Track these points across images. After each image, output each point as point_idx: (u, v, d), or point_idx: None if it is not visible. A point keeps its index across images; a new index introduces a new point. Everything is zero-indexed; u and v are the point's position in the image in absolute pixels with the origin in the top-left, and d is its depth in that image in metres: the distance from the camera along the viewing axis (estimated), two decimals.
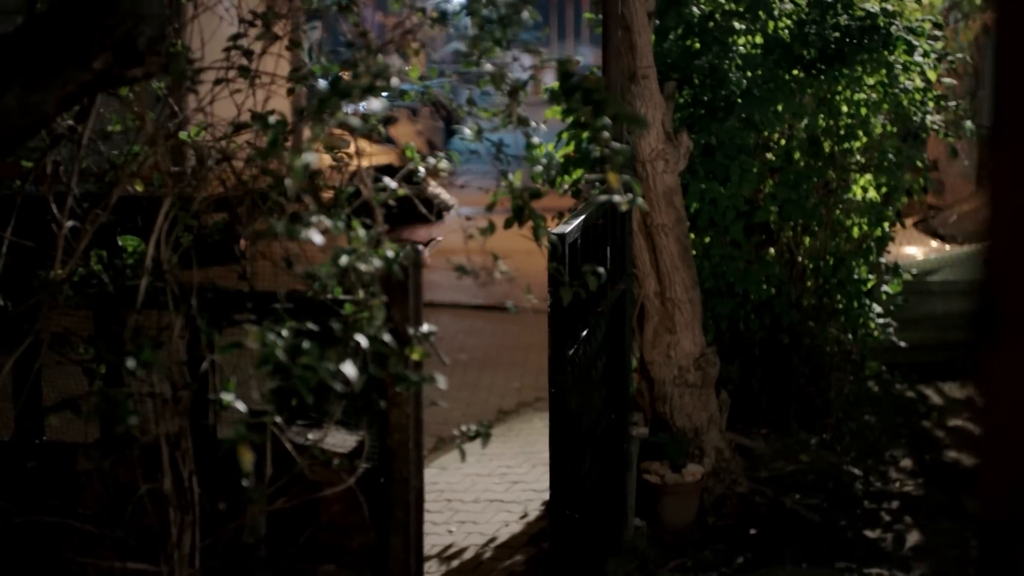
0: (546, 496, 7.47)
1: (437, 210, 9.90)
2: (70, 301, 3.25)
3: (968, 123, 8.54)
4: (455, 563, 6.69)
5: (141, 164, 3.19)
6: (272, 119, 2.83)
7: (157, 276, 3.10)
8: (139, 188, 3.42)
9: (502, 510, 7.46)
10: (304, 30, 3.37)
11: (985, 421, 1.09)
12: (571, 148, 7.69)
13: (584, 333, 5.16)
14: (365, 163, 3.12)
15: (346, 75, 2.77)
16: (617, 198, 2.99)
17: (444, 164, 3.30)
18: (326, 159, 3.23)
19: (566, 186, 7.43)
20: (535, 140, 3.17)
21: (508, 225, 3.27)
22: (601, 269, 3.32)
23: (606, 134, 2.92)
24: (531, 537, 7.01)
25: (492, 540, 6.99)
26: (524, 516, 7.34)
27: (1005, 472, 1.08)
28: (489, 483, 7.89)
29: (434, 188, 9.08)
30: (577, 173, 7.60)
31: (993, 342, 1.07)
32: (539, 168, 3.10)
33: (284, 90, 3.39)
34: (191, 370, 3.11)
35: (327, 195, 3.22)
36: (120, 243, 3.56)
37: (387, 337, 2.82)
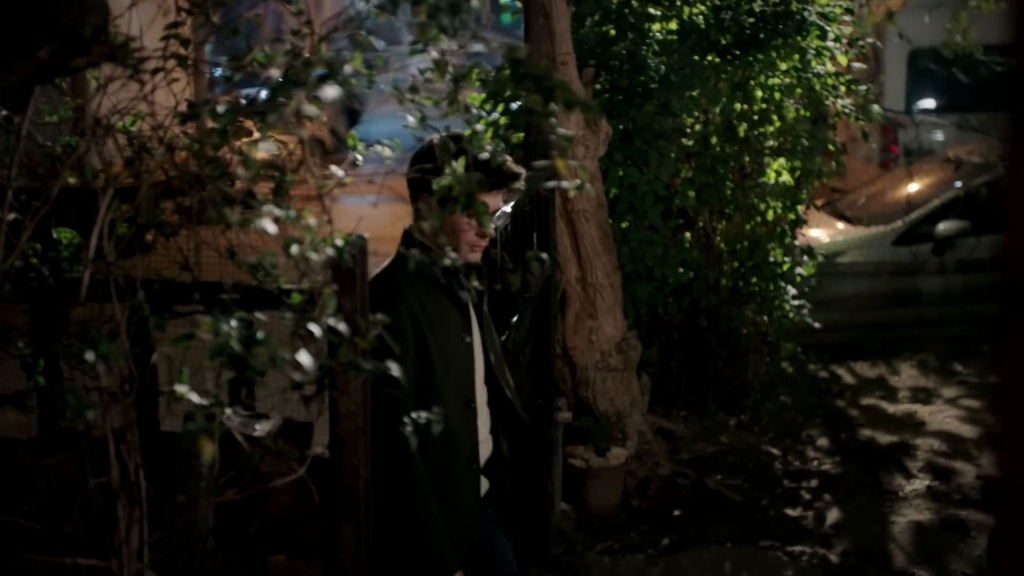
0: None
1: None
2: (9, 295, 3.20)
3: (876, 107, 8.68)
4: None
5: (81, 155, 3.14)
6: (220, 108, 2.80)
7: (99, 268, 3.05)
8: (72, 180, 3.36)
9: None
10: (247, 19, 3.34)
11: (1006, 395, 1.11)
12: (489, 135, 7.69)
13: (514, 319, 5.17)
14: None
15: (297, 63, 2.74)
16: (565, 184, 3.00)
17: (388, 152, 3.29)
18: (274, 148, 3.21)
19: None
20: (479, 128, 3.16)
21: (451, 212, 3.26)
22: (544, 255, 3.33)
23: (553, 121, 2.92)
24: None
25: None
26: None
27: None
28: None
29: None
30: None
31: (1017, 319, 1.09)
32: (485, 155, 3.10)
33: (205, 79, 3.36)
34: (136, 362, 3.08)
35: (269, 185, 3.19)
36: (55, 235, 3.50)
37: (341, 326, 2.80)
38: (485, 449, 4.00)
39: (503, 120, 7.56)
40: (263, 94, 2.84)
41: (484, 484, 4.03)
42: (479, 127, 3.18)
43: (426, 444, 3.54)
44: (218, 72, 3.16)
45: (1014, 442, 1.13)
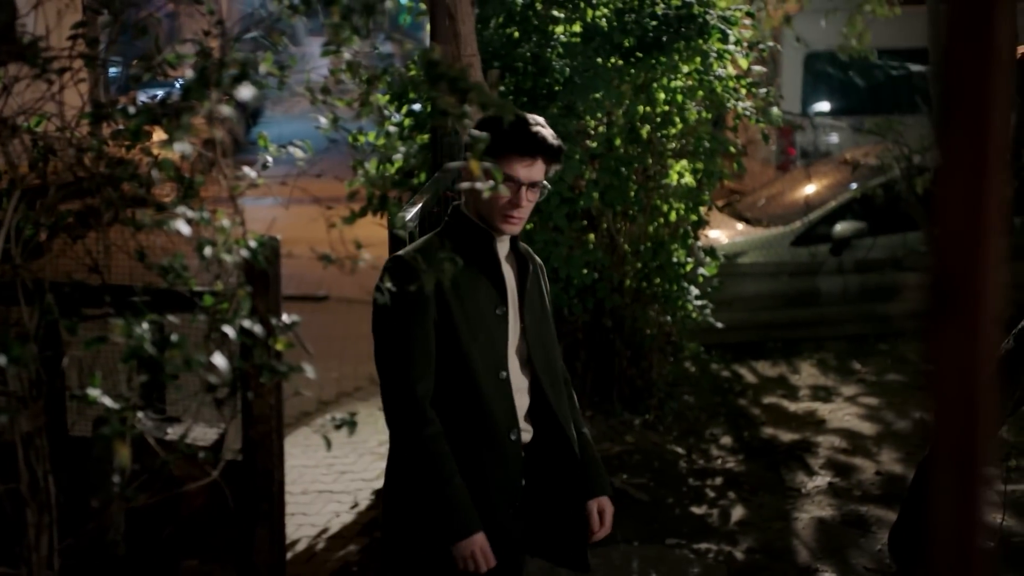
0: (375, 485, 7.51)
1: None
2: None
3: (775, 109, 8.80)
4: (288, 555, 6.63)
5: None
6: (131, 108, 2.77)
7: (5, 270, 3.01)
8: None
9: (332, 500, 7.44)
10: (156, 18, 3.30)
11: (935, 391, 1.14)
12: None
13: None
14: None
15: (210, 64, 2.72)
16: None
17: (299, 153, 3.28)
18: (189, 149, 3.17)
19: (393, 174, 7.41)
20: (391, 128, 3.17)
21: (363, 213, 3.27)
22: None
23: (468, 122, 2.93)
24: (363, 527, 7.00)
25: (324, 531, 6.97)
26: (355, 506, 7.33)
27: (953, 438, 1.14)
28: (317, 474, 7.85)
29: None
30: (399, 163, 7.60)
31: (942, 317, 1.12)
32: (399, 156, 3.10)
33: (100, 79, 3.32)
34: (45, 366, 3.03)
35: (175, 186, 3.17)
36: None
37: (256, 327, 2.79)
38: (523, 440, 3.93)
39: (408, 121, 7.55)
40: (161, 95, 2.82)
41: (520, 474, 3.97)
42: (391, 128, 3.18)
43: (455, 412, 3.74)
44: (113, 72, 3.12)
45: (944, 433, 1.15)
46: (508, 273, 3.91)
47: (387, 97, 7.44)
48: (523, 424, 3.90)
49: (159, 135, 3.17)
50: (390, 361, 3.74)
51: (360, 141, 5.65)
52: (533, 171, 3.78)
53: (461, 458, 3.72)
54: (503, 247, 3.91)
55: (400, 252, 3.82)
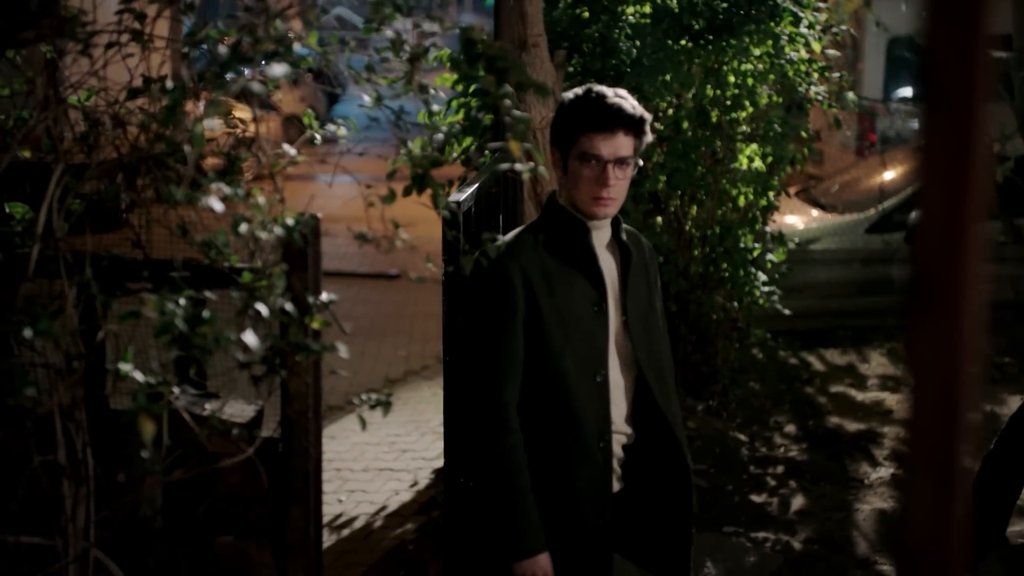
0: (436, 464, 7.51)
1: None
2: None
3: (850, 94, 8.68)
4: (346, 532, 6.68)
5: (31, 129, 3.10)
6: (169, 84, 2.78)
7: (48, 244, 3.02)
8: (27, 154, 3.33)
9: (392, 479, 7.46)
10: None
11: (914, 387, 1.10)
12: (460, 116, 7.66)
13: None
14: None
15: (244, 40, 2.72)
16: (519, 166, 2.98)
17: (343, 131, 3.26)
18: (220, 125, 3.18)
19: (455, 154, 7.40)
20: (435, 107, 3.14)
21: (407, 192, 3.25)
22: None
23: (508, 102, 2.90)
24: (421, 505, 7.02)
25: (382, 509, 7.00)
26: (414, 484, 7.35)
27: (931, 435, 1.10)
28: (378, 452, 7.89)
29: None
30: (466, 141, 7.58)
31: (925, 310, 1.09)
32: (440, 136, 3.08)
33: (178, 55, 3.33)
34: (85, 340, 3.05)
35: (219, 162, 3.17)
36: (7, 210, 3.47)
37: (288, 306, 2.78)
38: (621, 441, 3.69)
39: (474, 102, 7.53)
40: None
41: (619, 478, 3.72)
42: (435, 107, 3.15)
43: (542, 416, 3.56)
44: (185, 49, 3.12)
45: (922, 429, 1.12)
46: (608, 263, 3.67)
47: (454, 77, 7.43)
48: (623, 427, 3.67)
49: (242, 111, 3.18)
50: (476, 361, 3.59)
51: (424, 119, 5.63)
52: (617, 145, 3.51)
53: (546, 465, 3.56)
54: (601, 235, 3.66)
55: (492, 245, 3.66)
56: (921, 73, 1.09)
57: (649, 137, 3.60)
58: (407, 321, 11.09)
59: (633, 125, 3.52)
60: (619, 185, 3.54)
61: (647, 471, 3.73)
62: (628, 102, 3.55)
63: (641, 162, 3.64)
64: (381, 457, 7.81)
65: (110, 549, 3.08)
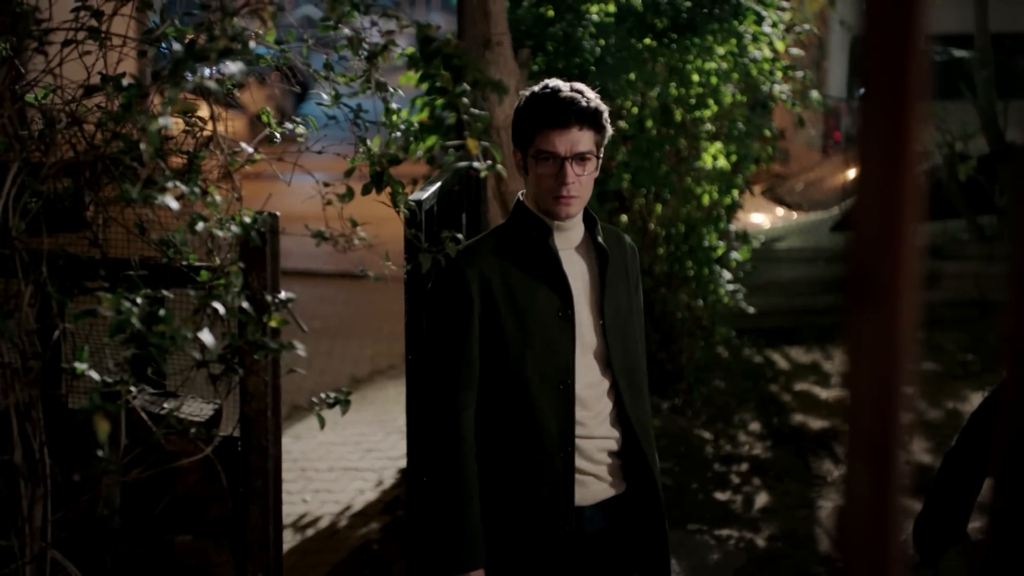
0: (401, 464, 7.50)
1: None
2: None
3: (814, 93, 8.72)
4: (310, 532, 6.66)
5: None
6: (125, 82, 2.76)
7: (4, 242, 3.01)
8: None
9: (357, 478, 7.45)
10: None
11: (851, 384, 1.11)
12: (425, 114, 7.66)
13: None
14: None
15: (200, 38, 2.71)
16: (477, 164, 2.98)
17: (301, 129, 3.26)
18: (179, 124, 3.17)
19: (420, 152, 7.40)
20: (393, 106, 3.14)
21: (366, 191, 3.25)
22: (460, 235, 3.32)
23: (465, 100, 2.91)
24: (386, 504, 7.01)
25: (347, 508, 6.98)
26: (379, 484, 7.34)
27: (868, 432, 1.11)
28: (343, 451, 7.87)
29: None
30: (431, 140, 7.58)
31: (859, 308, 1.09)
32: (399, 134, 3.08)
33: (135, 53, 3.31)
34: (41, 339, 3.04)
35: (180, 160, 3.16)
36: None
37: (245, 304, 2.78)
38: (601, 446, 3.56)
39: (439, 100, 7.53)
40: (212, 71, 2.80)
41: (597, 486, 3.57)
42: (394, 106, 3.15)
43: (503, 423, 3.47)
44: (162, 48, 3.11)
45: (858, 426, 1.13)
46: (580, 266, 3.55)
47: (418, 75, 7.43)
48: (597, 431, 3.52)
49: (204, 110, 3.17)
50: (434, 365, 3.51)
51: (392, 115, 5.63)
52: (573, 141, 3.38)
53: (505, 473, 3.46)
54: (570, 235, 3.54)
55: (468, 243, 3.61)
56: (860, 71, 1.10)
57: (609, 130, 3.50)
58: (374, 320, 11.08)
59: (587, 118, 3.40)
60: (580, 182, 3.42)
61: (622, 478, 3.61)
62: (583, 95, 3.44)
63: (600, 156, 3.50)
64: (346, 456, 7.80)
65: (68, 549, 3.07)
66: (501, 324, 3.43)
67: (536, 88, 3.49)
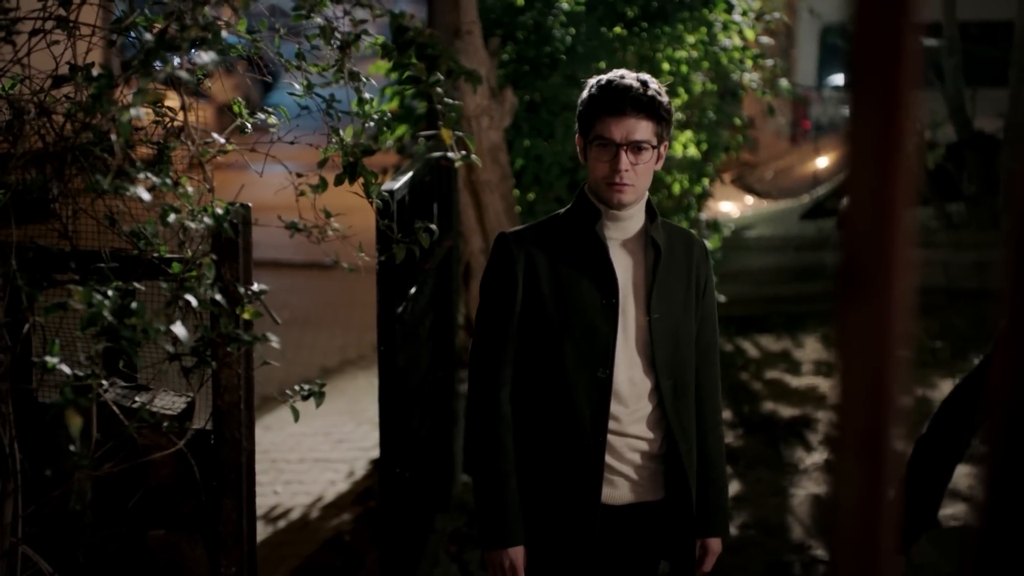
0: (373, 454, 7.48)
1: None
2: None
3: (784, 81, 8.73)
4: (282, 523, 6.63)
5: None
6: (95, 71, 2.73)
7: None
8: None
9: (328, 469, 7.42)
10: None
11: (842, 374, 1.10)
12: (395, 104, 7.63)
13: (412, 291, 5.13)
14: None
15: (171, 27, 2.68)
16: (450, 154, 2.97)
17: (273, 119, 3.23)
18: (149, 114, 3.14)
19: (390, 142, 7.37)
20: (366, 95, 3.12)
21: (339, 182, 3.23)
22: (433, 226, 3.30)
23: (439, 90, 2.89)
24: (358, 495, 6.99)
25: (319, 499, 6.96)
26: (351, 475, 7.32)
27: (859, 425, 1.10)
28: (315, 442, 7.84)
29: None
30: (401, 129, 7.55)
31: (851, 298, 1.08)
32: (371, 124, 3.05)
33: (103, 42, 3.28)
34: (11, 332, 3.00)
35: (150, 151, 3.13)
36: None
37: (218, 296, 2.75)
38: (634, 446, 3.49)
39: (409, 90, 7.50)
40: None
41: (626, 487, 3.50)
42: (367, 95, 3.13)
43: (539, 404, 3.46)
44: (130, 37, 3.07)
45: (850, 415, 1.12)
46: (631, 258, 3.48)
47: (388, 65, 7.39)
48: (633, 429, 3.46)
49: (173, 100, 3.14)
50: (475, 342, 3.54)
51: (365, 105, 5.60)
52: (629, 129, 3.32)
53: (538, 454, 3.47)
54: (626, 226, 3.46)
55: (515, 228, 3.60)
56: (849, 60, 1.09)
57: (672, 122, 3.44)
58: (344, 310, 11.04)
59: (644, 107, 3.34)
60: (635, 171, 3.35)
61: (660, 485, 3.54)
62: (644, 85, 3.38)
63: (661, 147, 3.42)
64: (318, 447, 7.77)
65: (39, 544, 3.04)
66: (544, 306, 3.42)
67: (601, 77, 3.45)
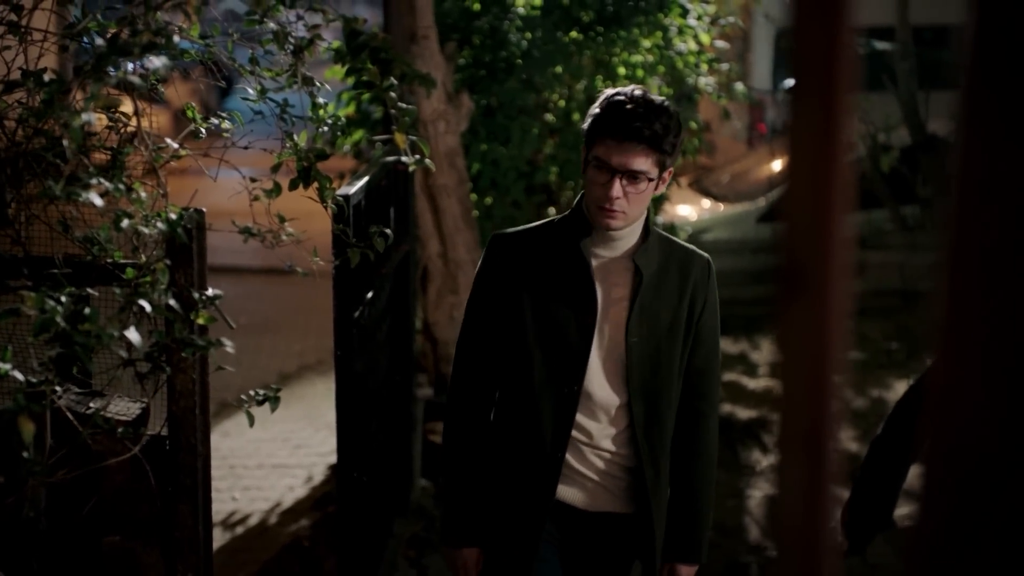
0: (331, 460, 7.47)
1: None
2: None
3: (739, 85, 8.78)
4: (240, 529, 6.61)
5: None
6: (46, 77, 2.72)
7: None
8: None
9: (287, 475, 7.41)
10: None
11: (783, 372, 1.12)
12: (351, 109, 7.63)
13: (369, 295, 5.13)
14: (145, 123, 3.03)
15: (124, 32, 2.67)
16: (405, 159, 2.97)
17: (227, 125, 3.23)
18: (103, 119, 3.13)
19: (346, 147, 7.37)
20: (320, 100, 3.12)
21: (293, 186, 3.23)
22: (388, 230, 3.31)
23: (393, 94, 2.90)
24: (316, 501, 6.98)
25: (277, 505, 6.94)
26: (309, 480, 7.30)
27: (801, 423, 1.12)
28: (273, 448, 7.82)
29: None
30: (357, 134, 7.55)
31: (791, 297, 1.10)
32: (326, 129, 3.06)
33: (56, 48, 3.27)
34: None
35: (103, 157, 3.12)
36: None
37: (172, 302, 2.75)
38: (605, 457, 3.43)
39: (366, 95, 7.50)
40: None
41: (595, 492, 3.46)
42: (321, 100, 3.13)
43: (507, 411, 3.45)
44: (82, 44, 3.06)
45: (791, 418, 1.14)
46: (616, 276, 3.38)
47: (344, 69, 7.39)
48: (604, 444, 3.40)
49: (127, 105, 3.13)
50: (459, 334, 3.52)
51: (320, 110, 5.62)
52: (628, 157, 3.19)
53: (499, 459, 3.45)
54: (616, 244, 3.36)
55: (508, 230, 3.54)
56: (790, 65, 1.11)
57: (675, 153, 3.28)
58: (301, 316, 11.02)
59: (647, 140, 3.18)
60: (628, 199, 3.22)
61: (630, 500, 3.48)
62: (651, 115, 3.21)
63: (659, 178, 3.28)
64: (276, 453, 7.75)
65: None
66: (522, 313, 3.37)
67: (613, 91, 3.31)
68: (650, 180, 3.22)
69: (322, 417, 8.27)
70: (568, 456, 3.40)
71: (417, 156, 2.97)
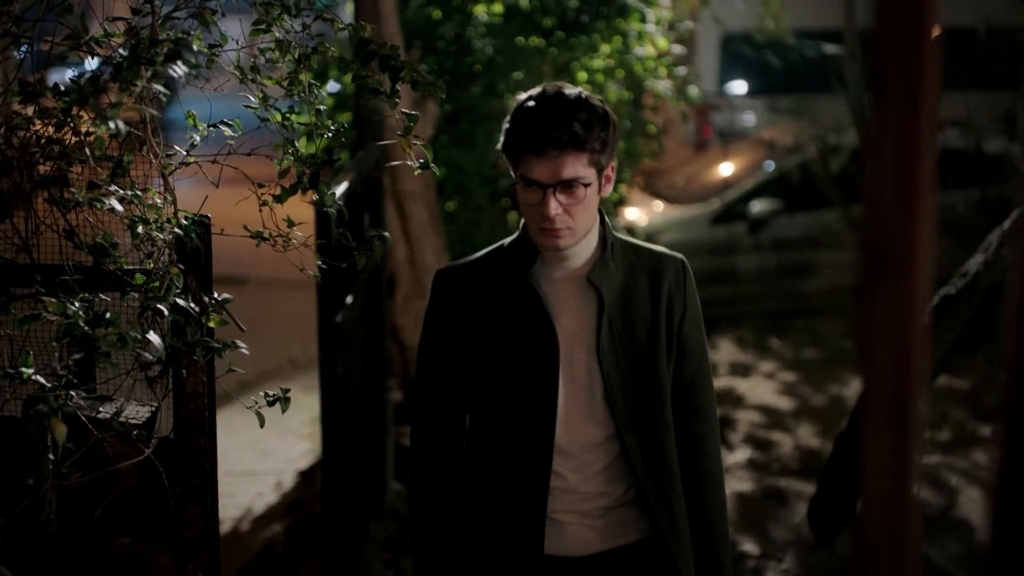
0: (299, 465, 7.52)
1: None
2: None
3: (693, 89, 8.89)
4: None
5: None
6: (62, 87, 2.77)
7: None
8: None
9: (256, 481, 7.44)
10: None
11: (870, 352, 1.20)
12: (347, 116, 7.67)
13: (348, 299, 5.19)
14: None
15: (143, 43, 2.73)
16: (410, 163, 3.05)
17: (228, 132, 3.28)
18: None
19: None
20: (321, 108, 3.18)
21: (292, 191, 3.28)
22: (387, 234, 3.37)
23: (398, 100, 2.97)
24: (287, 506, 7.01)
25: (248, 512, 6.97)
26: (278, 486, 7.34)
27: (887, 398, 1.20)
28: (240, 455, 7.84)
29: None
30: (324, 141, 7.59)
31: (877, 283, 1.18)
32: (328, 135, 3.12)
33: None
34: None
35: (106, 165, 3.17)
36: None
37: (191, 304, 2.81)
38: (587, 500, 3.08)
39: (329, 101, 7.55)
40: (90, 73, 2.81)
41: (582, 536, 3.10)
42: (320, 107, 3.19)
43: (483, 446, 3.13)
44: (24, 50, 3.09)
45: (878, 393, 1.21)
46: (577, 300, 3.04)
47: (311, 75, 7.43)
48: (593, 487, 3.06)
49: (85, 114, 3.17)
50: (415, 377, 3.23)
51: (292, 119, 5.67)
52: (555, 168, 2.85)
53: (476, 504, 3.11)
54: (568, 264, 3.04)
55: (453, 264, 3.26)
56: (872, 61, 1.19)
57: (609, 146, 2.94)
58: (257, 324, 10.97)
59: (570, 143, 2.85)
60: (570, 212, 2.90)
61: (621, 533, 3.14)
62: (565, 114, 2.87)
63: (597, 179, 2.95)
64: (243, 460, 7.78)
65: (4, 555, 3.06)
66: (476, 359, 3.07)
67: (523, 98, 2.99)
68: (587, 185, 2.89)
69: (287, 424, 8.30)
70: (551, 504, 3.05)
71: (421, 160, 3.04)
